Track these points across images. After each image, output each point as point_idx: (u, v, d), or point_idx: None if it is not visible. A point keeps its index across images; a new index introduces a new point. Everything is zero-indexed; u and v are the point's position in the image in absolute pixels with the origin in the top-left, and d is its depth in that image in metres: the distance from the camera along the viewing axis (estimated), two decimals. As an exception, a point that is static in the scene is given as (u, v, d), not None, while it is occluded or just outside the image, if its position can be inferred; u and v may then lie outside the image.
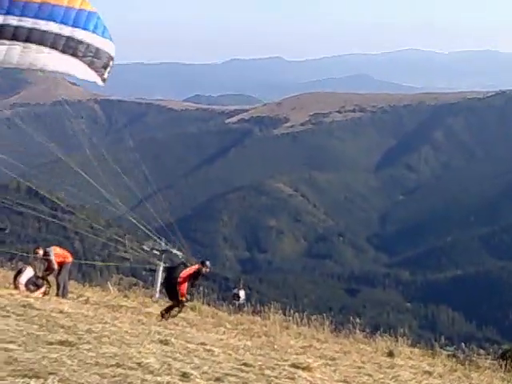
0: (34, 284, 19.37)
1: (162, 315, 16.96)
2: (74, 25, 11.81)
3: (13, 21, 11.56)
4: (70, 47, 11.71)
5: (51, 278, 19.48)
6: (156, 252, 46.68)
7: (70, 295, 18.82)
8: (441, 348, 23.14)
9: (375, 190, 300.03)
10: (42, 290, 19.15)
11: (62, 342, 10.38)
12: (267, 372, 10.70)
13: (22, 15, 11.67)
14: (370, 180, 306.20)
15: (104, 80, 12.40)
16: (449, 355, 21.78)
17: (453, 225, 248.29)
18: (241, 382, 9.77)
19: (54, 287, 19.30)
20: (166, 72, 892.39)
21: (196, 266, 18.36)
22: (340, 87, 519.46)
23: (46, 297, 17.90)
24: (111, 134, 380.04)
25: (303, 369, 11.31)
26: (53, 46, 11.77)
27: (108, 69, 12.34)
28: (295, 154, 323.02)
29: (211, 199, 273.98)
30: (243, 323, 17.98)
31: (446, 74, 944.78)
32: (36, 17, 11.68)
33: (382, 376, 12.34)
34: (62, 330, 11.52)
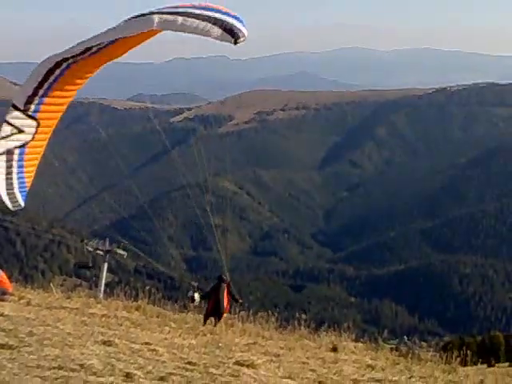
0: None
1: (215, 324, 18.41)
2: (226, 14, 13.52)
3: (182, 9, 13.24)
4: (217, 22, 13.27)
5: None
6: (100, 252, 46.33)
7: (10, 298, 18.47)
8: (384, 342, 23.47)
9: (319, 186, 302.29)
10: None
11: (2, 346, 10.23)
12: (212, 370, 10.71)
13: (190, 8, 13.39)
14: (314, 177, 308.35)
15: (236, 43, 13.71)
16: (392, 348, 22.12)
17: (395, 220, 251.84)
18: (185, 380, 9.77)
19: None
20: (107, 71, 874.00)
21: (226, 285, 20.23)
22: (283, 85, 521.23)
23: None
24: (54, 134, 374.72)
25: (247, 366, 11.35)
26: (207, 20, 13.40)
27: (241, 39, 13.75)
28: (240, 152, 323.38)
29: (156, 198, 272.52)
30: (188, 322, 17.92)
31: (386, 72, 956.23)
32: (200, 9, 13.42)
33: (325, 371, 12.46)
34: (2, 333, 11.35)
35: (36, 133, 13.43)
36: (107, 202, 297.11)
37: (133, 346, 11.86)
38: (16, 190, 14.08)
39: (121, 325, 14.83)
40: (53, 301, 18.15)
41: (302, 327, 19.24)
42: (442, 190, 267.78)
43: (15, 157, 13.60)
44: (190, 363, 11.01)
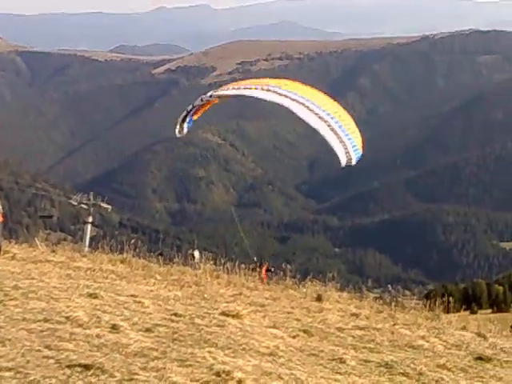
0: None
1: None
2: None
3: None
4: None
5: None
6: (84, 206, 46.27)
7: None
8: (368, 291, 23.73)
9: (303, 137, 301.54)
10: None
11: (-13, 300, 10.24)
12: (197, 321, 10.78)
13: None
14: (298, 128, 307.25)
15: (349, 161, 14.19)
16: (376, 297, 22.30)
17: (379, 170, 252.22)
18: (171, 331, 9.83)
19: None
20: (89, 22, 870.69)
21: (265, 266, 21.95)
22: (267, 34, 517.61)
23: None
24: (35, 87, 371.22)
25: (233, 316, 11.43)
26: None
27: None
28: (223, 104, 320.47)
29: (139, 151, 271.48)
30: (173, 274, 17.96)
31: (370, 20, 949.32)
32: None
33: (310, 320, 12.57)
34: (-13, 287, 11.36)
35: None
36: (90, 155, 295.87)
37: (118, 298, 11.89)
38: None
39: (106, 277, 14.85)
40: (38, 255, 18.13)
41: (287, 278, 19.36)
42: (426, 139, 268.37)
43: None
44: (175, 314, 11.07)
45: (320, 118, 14.10)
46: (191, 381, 7.53)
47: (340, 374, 8.86)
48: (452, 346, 11.68)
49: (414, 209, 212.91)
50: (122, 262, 18.67)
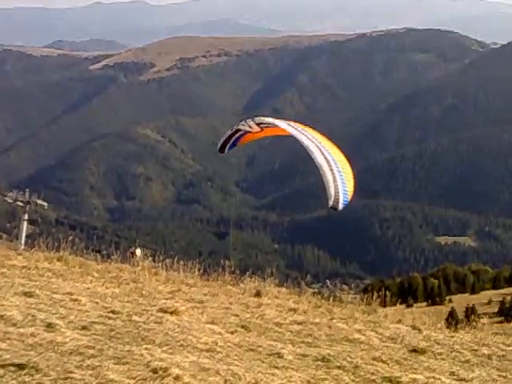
0: None
1: None
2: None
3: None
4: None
5: None
6: (20, 203, 45.42)
7: None
8: (307, 286, 23.90)
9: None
10: None
11: None
12: (135, 318, 10.71)
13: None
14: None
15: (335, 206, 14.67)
16: (314, 292, 22.49)
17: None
18: (108, 329, 9.74)
19: None
20: (24, 17, 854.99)
21: None
22: (206, 31, 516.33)
23: None
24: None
25: (171, 313, 11.39)
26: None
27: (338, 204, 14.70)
28: (161, 100, 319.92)
29: (76, 148, 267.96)
30: (111, 271, 17.79)
31: (309, 17, 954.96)
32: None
33: (248, 315, 12.61)
34: None
35: None
36: (26, 152, 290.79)
37: (54, 296, 11.73)
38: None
39: (42, 275, 14.63)
40: (-29, 253, 17.78)
41: (226, 274, 19.38)
42: (363, 135, 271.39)
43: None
44: (112, 312, 10.98)
45: (325, 158, 15.64)
46: (128, 378, 7.48)
47: (277, 368, 8.91)
48: (387, 339, 11.87)
49: (352, 204, 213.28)
50: (58, 259, 18.41)
